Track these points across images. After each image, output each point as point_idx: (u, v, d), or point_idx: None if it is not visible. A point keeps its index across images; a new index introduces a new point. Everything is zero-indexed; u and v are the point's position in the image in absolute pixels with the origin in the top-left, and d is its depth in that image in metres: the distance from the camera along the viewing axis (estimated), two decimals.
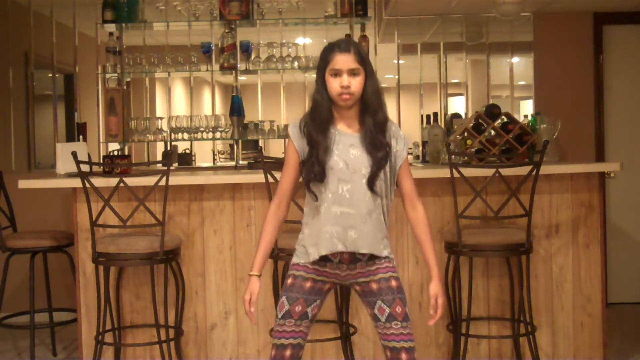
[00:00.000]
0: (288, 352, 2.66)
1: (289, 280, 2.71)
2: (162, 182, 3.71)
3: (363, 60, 2.62)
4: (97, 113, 5.71)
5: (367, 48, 5.31)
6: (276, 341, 2.67)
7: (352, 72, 2.60)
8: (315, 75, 2.71)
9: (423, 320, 4.10)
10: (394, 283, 2.67)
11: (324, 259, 2.67)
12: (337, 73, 2.60)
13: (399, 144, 2.69)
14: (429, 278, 2.73)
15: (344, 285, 2.76)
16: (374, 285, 2.67)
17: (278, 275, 3.78)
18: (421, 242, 2.76)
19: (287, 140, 2.75)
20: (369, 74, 2.65)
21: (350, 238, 2.62)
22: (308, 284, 2.70)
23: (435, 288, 2.71)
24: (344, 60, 2.59)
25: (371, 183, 2.62)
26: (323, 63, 2.64)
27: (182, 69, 5.52)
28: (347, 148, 2.64)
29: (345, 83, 2.58)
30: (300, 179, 2.71)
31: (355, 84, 2.60)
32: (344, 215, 2.62)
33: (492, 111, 4.47)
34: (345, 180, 2.62)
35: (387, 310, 2.65)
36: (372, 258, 2.67)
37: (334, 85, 2.60)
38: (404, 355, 2.63)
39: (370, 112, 2.65)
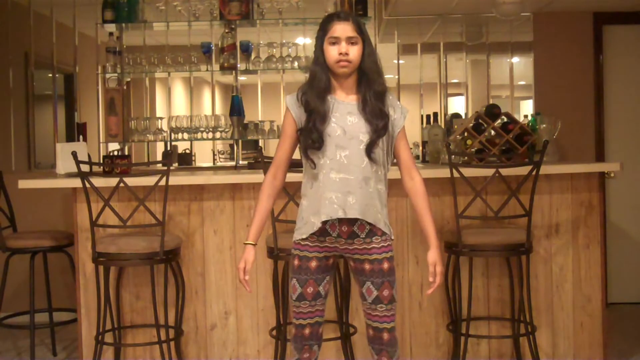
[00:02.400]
0: (307, 330, 2.78)
1: (296, 262, 2.76)
2: (162, 182, 3.71)
3: (361, 30, 2.68)
4: (97, 113, 5.71)
5: None
6: (295, 321, 2.80)
7: (351, 41, 2.65)
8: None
9: (423, 320, 4.10)
10: (386, 265, 2.72)
11: (322, 234, 2.71)
12: (335, 41, 2.65)
13: (396, 113, 2.73)
14: (428, 250, 2.76)
15: (342, 256, 2.80)
16: (367, 266, 2.72)
17: (278, 275, 3.78)
18: (418, 211, 2.79)
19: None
20: (367, 43, 2.71)
21: (348, 203, 2.66)
22: (313, 264, 2.75)
23: (433, 256, 2.75)
24: (342, 29, 2.65)
25: (369, 150, 2.67)
26: (322, 32, 2.70)
27: (182, 69, 5.52)
28: (344, 115, 2.68)
29: (343, 50, 2.64)
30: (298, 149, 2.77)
31: (354, 52, 2.65)
32: (343, 181, 2.67)
33: (492, 111, 4.47)
34: (343, 146, 2.66)
35: (375, 293, 2.71)
36: (370, 235, 2.70)
37: (332, 53, 2.66)
38: (385, 335, 2.75)
39: (369, 81, 2.70)
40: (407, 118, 2.78)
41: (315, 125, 2.66)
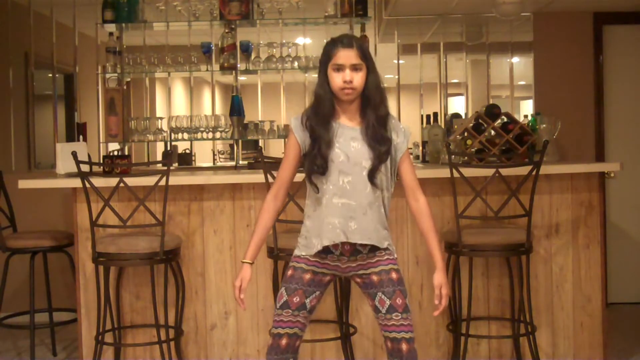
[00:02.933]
0: (284, 341, 2.73)
1: (289, 272, 2.76)
2: (162, 182, 3.71)
3: (365, 55, 2.67)
4: (97, 113, 5.71)
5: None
6: (273, 330, 2.76)
7: (355, 67, 2.64)
8: (316, 73, 2.77)
9: (423, 320, 4.10)
10: (394, 275, 2.71)
11: (325, 252, 2.71)
12: (339, 68, 2.64)
13: (399, 137, 2.73)
14: (429, 279, 2.74)
15: (344, 277, 2.79)
16: (375, 277, 2.71)
17: (278, 275, 3.78)
18: (424, 232, 2.80)
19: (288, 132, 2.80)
20: (371, 69, 2.69)
21: (350, 229, 2.66)
22: (308, 276, 2.74)
23: (439, 278, 2.75)
24: (346, 56, 2.64)
25: (372, 176, 2.67)
26: (326, 58, 2.69)
27: (182, 69, 5.52)
28: (348, 141, 2.68)
29: (347, 78, 2.63)
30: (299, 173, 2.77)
31: (358, 78, 2.64)
32: (345, 207, 2.67)
33: (492, 111, 4.47)
34: (346, 172, 2.67)
35: (388, 302, 2.68)
36: (373, 250, 2.70)
37: (337, 80, 2.65)
38: (404, 346, 2.68)
39: (372, 107, 2.69)
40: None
41: (320, 151, 2.66)
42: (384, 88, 2.73)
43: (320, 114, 2.69)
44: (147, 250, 3.73)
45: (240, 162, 5.73)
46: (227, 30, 5.35)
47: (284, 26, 5.56)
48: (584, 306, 4.14)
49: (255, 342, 4.13)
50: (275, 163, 3.71)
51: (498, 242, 3.74)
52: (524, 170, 3.71)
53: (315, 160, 2.66)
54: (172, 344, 3.92)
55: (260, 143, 6.45)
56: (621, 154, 5.51)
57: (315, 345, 4.08)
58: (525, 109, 5.82)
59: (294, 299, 2.73)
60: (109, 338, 4.03)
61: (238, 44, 5.40)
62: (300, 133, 2.72)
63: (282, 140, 5.68)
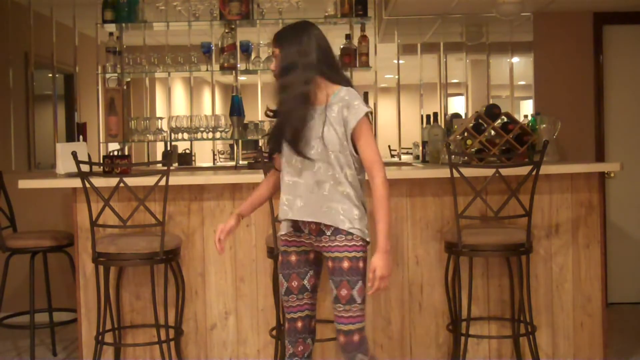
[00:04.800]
0: (299, 324, 2.88)
1: (280, 258, 2.89)
2: (162, 182, 3.71)
3: (277, 40, 2.90)
4: (97, 113, 5.71)
5: (367, 48, 5.32)
6: (287, 315, 2.90)
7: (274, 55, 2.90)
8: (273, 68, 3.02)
9: (423, 320, 4.10)
10: (346, 264, 2.72)
11: (297, 230, 2.82)
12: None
13: (349, 111, 2.72)
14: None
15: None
16: (330, 263, 2.77)
17: (278, 275, 3.78)
18: (374, 213, 2.76)
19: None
20: (284, 49, 2.90)
21: (296, 206, 2.76)
22: (293, 258, 2.85)
23: (374, 260, 2.72)
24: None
25: (297, 151, 2.74)
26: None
27: (182, 69, 5.52)
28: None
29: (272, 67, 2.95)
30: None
31: (273, 65, 2.94)
32: (294, 184, 2.78)
33: (492, 111, 4.47)
34: None
35: (334, 292, 2.75)
36: (336, 233, 2.73)
37: None
38: (341, 338, 2.76)
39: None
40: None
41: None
42: (299, 62, 2.79)
43: None
44: (147, 250, 3.73)
45: (240, 162, 5.73)
46: (227, 30, 5.35)
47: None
48: (584, 306, 4.14)
49: (255, 342, 4.13)
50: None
51: (498, 242, 3.74)
52: (524, 170, 3.71)
53: (271, 141, 2.85)
54: (172, 344, 3.92)
55: (260, 143, 6.44)
56: (621, 154, 5.51)
57: (315, 345, 4.06)
58: (525, 109, 5.82)
59: (293, 283, 2.84)
60: (109, 338, 4.03)
61: (238, 44, 5.39)
62: None
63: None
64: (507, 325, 4.11)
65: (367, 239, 2.78)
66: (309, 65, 2.76)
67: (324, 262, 2.82)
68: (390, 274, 2.73)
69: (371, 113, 2.80)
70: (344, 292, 2.71)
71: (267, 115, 2.96)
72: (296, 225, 2.81)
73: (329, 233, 2.74)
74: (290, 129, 2.74)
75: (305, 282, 2.85)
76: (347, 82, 2.82)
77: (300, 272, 2.85)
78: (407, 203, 4.08)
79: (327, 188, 2.72)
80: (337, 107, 2.73)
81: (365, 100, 2.83)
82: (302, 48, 2.77)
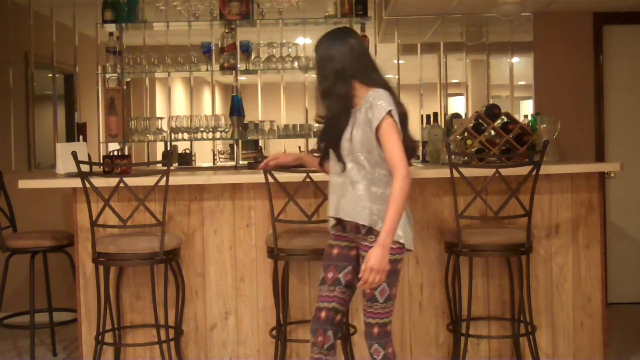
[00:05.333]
0: (323, 314, 2.95)
1: (325, 250, 3.03)
2: (162, 182, 3.71)
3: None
4: (97, 113, 5.71)
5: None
6: (317, 305, 3.00)
7: None
8: (315, 75, 3.03)
9: (423, 320, 4.10)
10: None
11: (343, 226, 2.95)
12: None
13: (373, 111, 2.81)
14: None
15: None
16: (360, 261, 2.89)
17: (278, 275, 3.78)
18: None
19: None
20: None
21: (337, 205, 2.92)
22: (335, 251, 2.99)
23: (369, 251, 2.75)
24: None
25: (337, 155, 2.91)
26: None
27: (182, 69, 5.52)
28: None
29: None
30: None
31: None
32: (338, 185, 2.93)
33: (492, 111, 4.47)
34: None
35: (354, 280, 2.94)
36: (369, 232, 2.84)
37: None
38: (364, 327, 2.92)
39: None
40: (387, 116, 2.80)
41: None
42: (326, 67, 2.89)
43: None
44: (147, 250, 3.73)
45: (240, 162, 5.73)
46: (227, 30, 5.35)
47: (284, 26, 5.56)
48: (584, 306, 4.14)
49: (255, 342, 4.13)
50: None
51: (498, 242, 3.74)
52: (524, 170, 3.71)
53: (321, 142, 3.04)
54: (172, 344, 3.92)
55: (260, 143, 6.44)
56: (621, 154, 5.51)
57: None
58: (525, 109, 5.82)
59: (328, 274, 2.96)
60: (109, 338, 4.03)
61: (238, 44, 5.40)
62: None
63: (282, 140, 5.70)
64: (507, 325, 4.11)
65: (401, 241, 2.83)
66: (342, 71, 2.87)
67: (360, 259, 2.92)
68: (383, 270, 2.74)
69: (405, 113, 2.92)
70: (367, 290, 2.83)
71: (317, 122, 3.15)
72: (341, 222, 2.96)
73: (363, 232, 2.85)
74: (325, 132, 2.97)
75: (341, 276, 2.95)
76: (381, 85, 2.89)
77: (339, 265, 2.96)
78: (407, 203, 4.06)
79: (361, 188, 2.85)
80: (364, 109, 2.84)
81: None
82: (335, 55, 2.89)
